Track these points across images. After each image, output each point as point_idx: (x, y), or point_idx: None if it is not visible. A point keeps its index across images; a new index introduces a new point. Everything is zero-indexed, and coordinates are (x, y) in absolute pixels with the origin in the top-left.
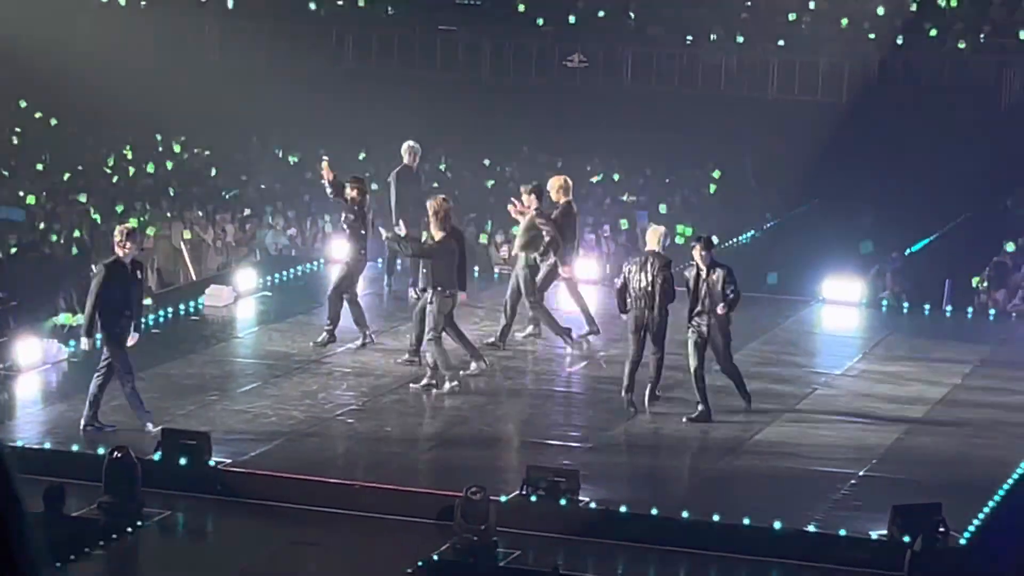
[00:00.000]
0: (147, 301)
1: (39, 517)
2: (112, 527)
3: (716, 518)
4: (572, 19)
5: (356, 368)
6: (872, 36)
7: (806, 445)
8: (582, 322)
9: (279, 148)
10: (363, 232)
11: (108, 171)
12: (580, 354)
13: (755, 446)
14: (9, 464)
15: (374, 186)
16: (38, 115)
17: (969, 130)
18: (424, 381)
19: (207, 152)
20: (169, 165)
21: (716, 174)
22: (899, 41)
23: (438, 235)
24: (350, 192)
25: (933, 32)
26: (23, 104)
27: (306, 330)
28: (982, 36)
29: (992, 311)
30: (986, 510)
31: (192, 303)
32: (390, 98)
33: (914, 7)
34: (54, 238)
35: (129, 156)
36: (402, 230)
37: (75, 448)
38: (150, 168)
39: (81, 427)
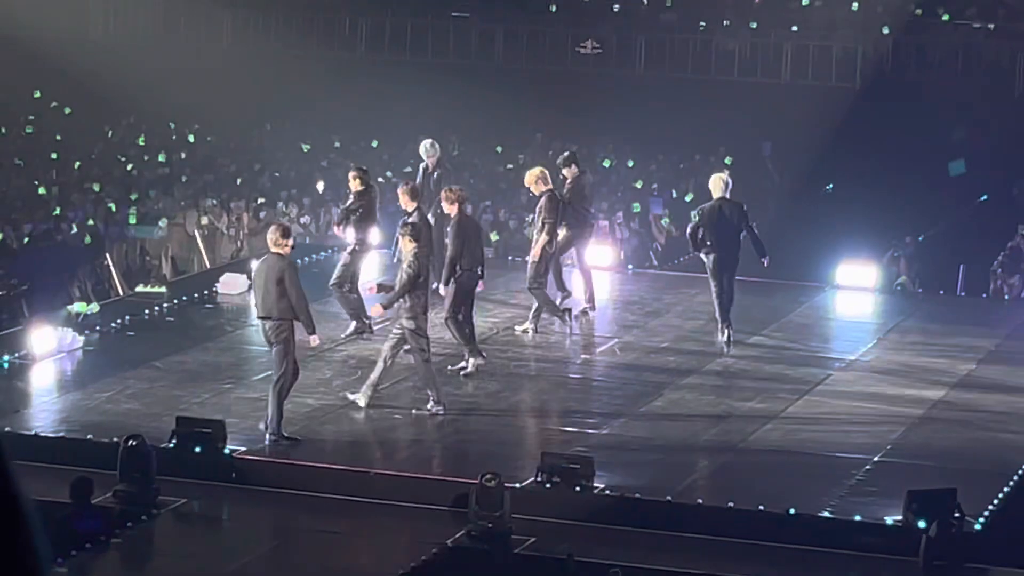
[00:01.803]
0: (161, 289)
1: (67, 508)
2: (127, 515)
3: (731, 504)
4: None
5: (370, 356)
6: (885, 21)
7: (821, 431)
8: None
9: (292, 136)
10: (364, 222)
11: (122, 160)
12: (595, 340)
13: (770, 432)
14: (4, 452)
15: (389, 173)
16: (53, 104)
17: (983, 114)
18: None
19: (220, 140)
20: (183, 154)
21: (728, 160)
22: (912, 25)
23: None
24: (352, 182)
25: (946, 17)
26: (38, 95)
27: (320, 318)
28: (993, 22)
29: (1007, 296)
30: (1001, 495)
31: (206, 291)
32: (403, 85)
33: None
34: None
35: (142, 144)
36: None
37: (90, 437)
38: (161, 157)
39: (267, 440)
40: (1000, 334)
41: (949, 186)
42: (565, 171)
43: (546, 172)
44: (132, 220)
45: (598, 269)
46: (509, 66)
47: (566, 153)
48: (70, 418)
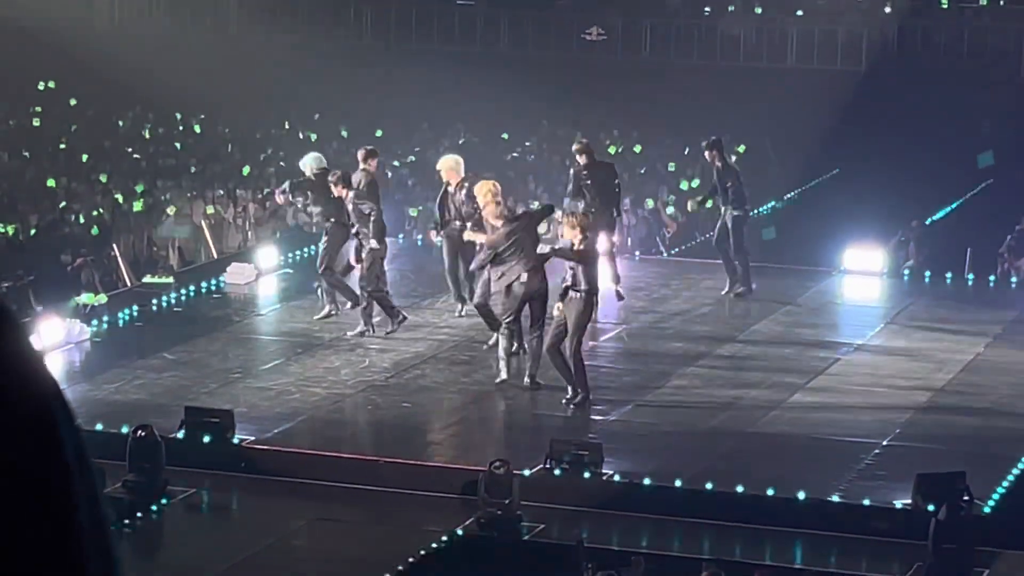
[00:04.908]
0: (169, 279)
1: None
2: (136, 505)
3: (740, 489)
4: None
5: (378, 344)
6: (889, 4)
7: (829, 415)
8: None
9: (298, 125)
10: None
11: (129, 150)
12: (603, 327)
13: (778, 417)
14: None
15: (397, 164)
16: (51, 83)
17: (988, 97)
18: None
19: (227, 130)
20: (189, 141)
21: (741, 148)
22: (917, 8)
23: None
24: (579, 157)
25: (944, 3)
26: (41, 87)
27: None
28: (1001, 2)
29: (1014, 279)
30: (1010, 478)
31: (214, 281)
32: (409, 73)
33: None
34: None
35: (148, 134)
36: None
37: (99, 427)
38: (177, 146)
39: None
40: (1008, 317)
41: (955, 169)
42: (708, 153)
43: (498, 186)
44: (137, 207)
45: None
46: (514, 53)
47: (712, 138)
48: (78, 409)
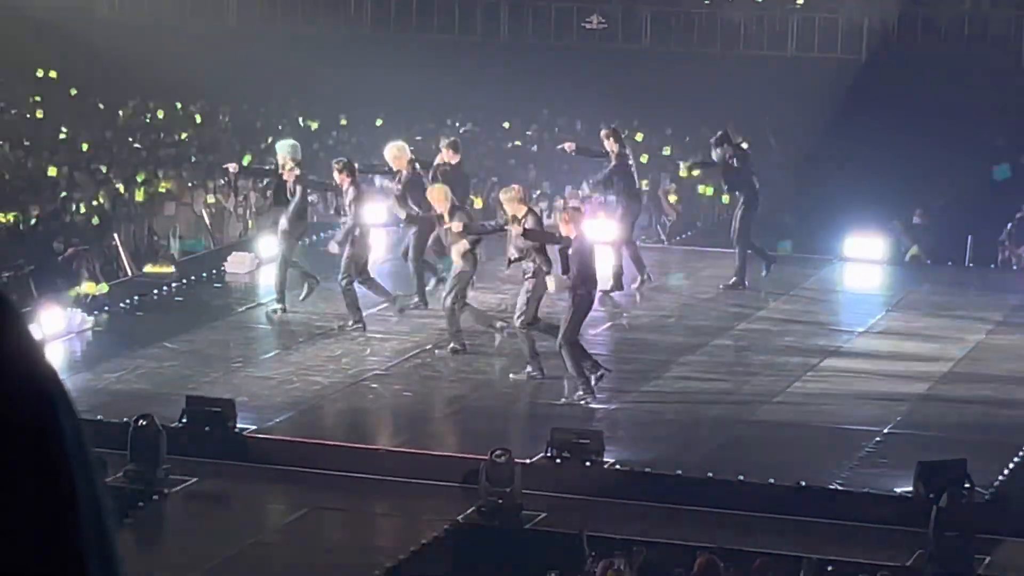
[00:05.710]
0: (169, 269)
1: None
2: (138, 495)
3: (741, 477)
4: None
5: (379, 333)
6: None
7: (830, 403)
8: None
9: (298, 114)
10: None
11: (130, 140)
12: (604, 316)
13: (779, 405)
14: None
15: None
16: (52, 73)
17: (988, 85)
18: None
19: (227, 119)
20: (185, 132)
21: (744, 145)
22: None
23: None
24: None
25: None
26: (41, 75)
27: (328, 296)
28: None
29: (1015, 266)
30: (1011, 465)
31: (214, 270)
32: (409, 62)
33: None
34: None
35: (149, 123)
36: None
37: (100, 417)
38: (183, 136)
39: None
40: (1009, 304)
41: (955, 157)
42: (717, 151)
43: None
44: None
45: (606, 244)
46: (515, 42)
47: (719, 133)
48: (80, 399)
